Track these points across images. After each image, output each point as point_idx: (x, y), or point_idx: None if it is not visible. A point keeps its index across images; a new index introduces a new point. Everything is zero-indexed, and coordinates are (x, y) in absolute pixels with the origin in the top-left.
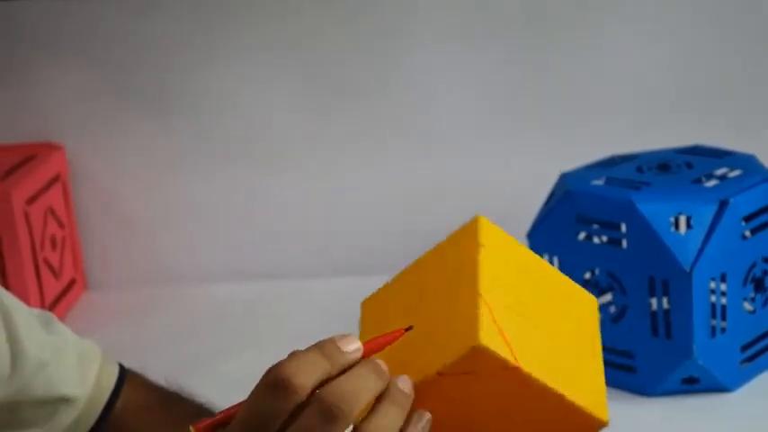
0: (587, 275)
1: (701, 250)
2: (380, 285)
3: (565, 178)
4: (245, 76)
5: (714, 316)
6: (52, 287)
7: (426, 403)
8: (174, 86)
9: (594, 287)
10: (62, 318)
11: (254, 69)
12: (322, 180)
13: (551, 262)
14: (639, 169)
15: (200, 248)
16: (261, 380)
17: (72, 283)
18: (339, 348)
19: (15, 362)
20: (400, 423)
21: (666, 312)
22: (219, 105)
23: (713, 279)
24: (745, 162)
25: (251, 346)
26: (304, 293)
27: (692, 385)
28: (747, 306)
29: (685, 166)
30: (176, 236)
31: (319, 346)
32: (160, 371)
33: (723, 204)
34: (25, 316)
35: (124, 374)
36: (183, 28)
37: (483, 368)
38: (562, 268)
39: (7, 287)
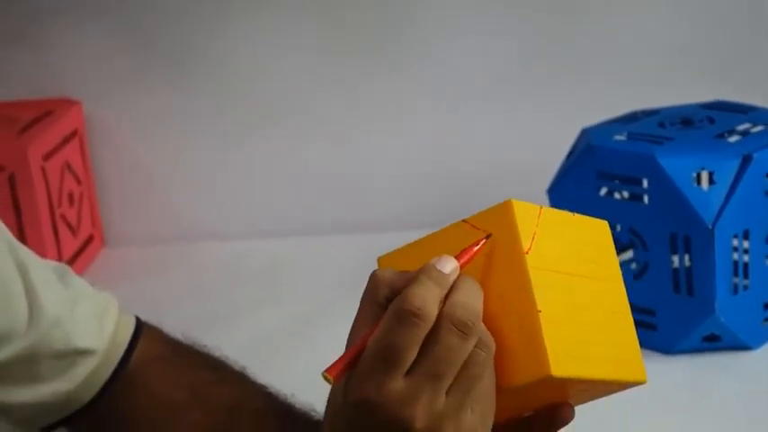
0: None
1: (723, 206)
2: (398, 243)
3: (586, 133)
4: (264, 37)
5: (736, 273)
6: (70, 244)
7: None
8: (194, 44)
9: (616, 244)
10: (80, 274)
11: (273, 30)
12: (341, 138)
13: None
14: (662, 124)
15: (218, 205)
16: (389, 314)
17: (90, 239)
18: (442, 272)
19: (32, 315)
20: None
21: (688, 269)
22: (239, 62)
23: (736, 236)
24: None
25: (269, 303)
26: (322, 250)
27: (714, 343)
28: None
29: (708, 122)
30: (194, 192)
31: (427, 274)
32: (177, 327)
33: (746, 160)
34: (42, 270)
35: (140, 327)
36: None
37: (545, 383)
38: None
39: (25, 243)
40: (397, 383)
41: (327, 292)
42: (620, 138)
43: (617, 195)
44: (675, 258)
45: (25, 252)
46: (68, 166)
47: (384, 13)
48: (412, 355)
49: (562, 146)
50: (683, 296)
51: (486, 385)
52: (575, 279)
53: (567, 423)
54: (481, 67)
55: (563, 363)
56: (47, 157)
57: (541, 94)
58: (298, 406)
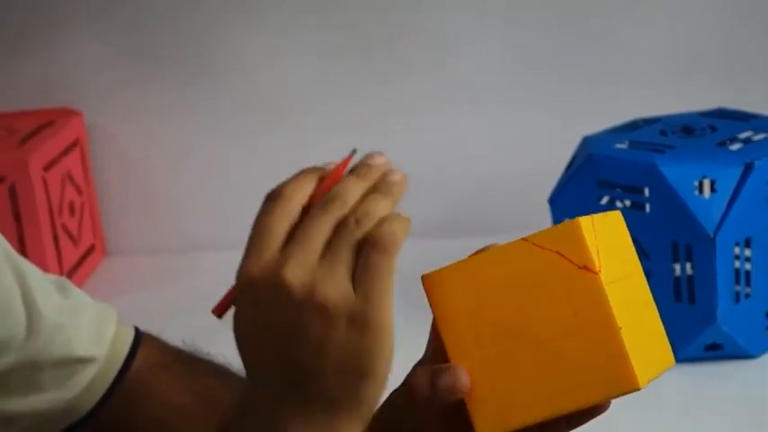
0: None
1: (725, 214)
2: (403, 249)
3: (587, 142)
4: (267, 42)
5: (738, 281)
6: (71, 253)
7: None
8: (194, 51)
9: None
10: (81, 284)
11: (277, 35)
12: (345, 145)
13: None
14: (663, 133)
15: (220, 214)
16: (261, 208)
17: (91, 249)
18: (317, 167)
19: (31, 324)
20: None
21: (690, 278)
22: (241, 70)
23: (737, 244)
24: None
25: None
26: None
27: (716, 351)
28: None
29: (709, 130)
30: (196, 202)
31: (303, 171)
32: (179, 337)
33: (748, 168)
34: (40, 280)
35: (139, 336)
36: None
37: None
38: None
39: (26, 253)
40: (270, 254)
41: None
42: (622, 146)
43: (618, 204)
44: (677, 267)
45: (23, 262)
46: (69, 177)
47: (387, 19)
48: (282, 229)
49: (563, 154)
50: (684, 305)
51: (373, 260)
52: (623, 283)
53: (603, 412)
54: (481, 76)
55: (644, 373)
56: (48, 167)
57: (542, 102)
58: None
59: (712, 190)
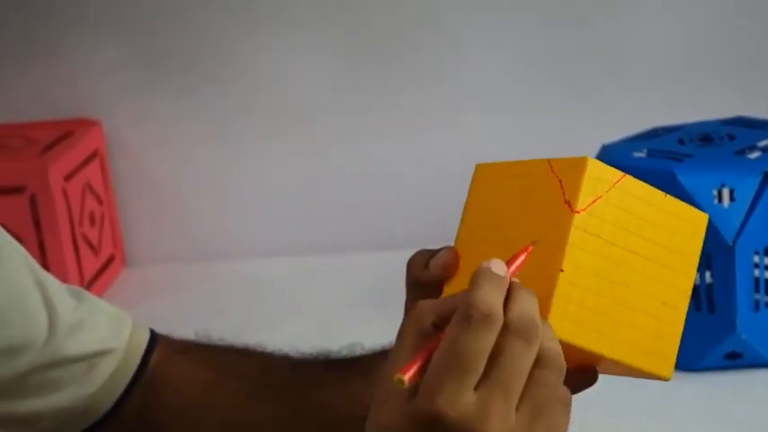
0: None
1: (744, 223)
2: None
3: (606, 150)
4: (283, 48)
5: (758, 290)
6: (91, 263)
7: None
8: (212, 59)
9: None
10: (101, 294)
11: (292, 41)
12: (365, 151)
13: None
14: (681, 141)
15: (240, 224)
16: (456, 321)
17: (111, 259)
18: (499, 275)
19: (51, 326)
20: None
21: (709, 287)
22: (258, 78)
23: (756, 253)
24: None
25: (290, 322)
26: (341, 268)
27: (735, 360)
28: None
29: (728, 138)
30: (216, 212)
31: (487, 278)
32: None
33: (767, 176)
34: (57, 286)
35: (156, 334)
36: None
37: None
38: None
39: (46, 264)
40: (470, 396)
41: (348, 311)
42: (640, 154)
43: None
44: (696, 276)
45: (41, 270)
46: (89, 187)
47: (395, 27)
48: (483, 362)
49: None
50: (704, 314)
51: (556, 402)
52: (628, 255)
53: (590, 385)
54: (498, 83)
55: (572, 329)
56: (68, 177)
57: (560, 111)
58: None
59: (731, 199)
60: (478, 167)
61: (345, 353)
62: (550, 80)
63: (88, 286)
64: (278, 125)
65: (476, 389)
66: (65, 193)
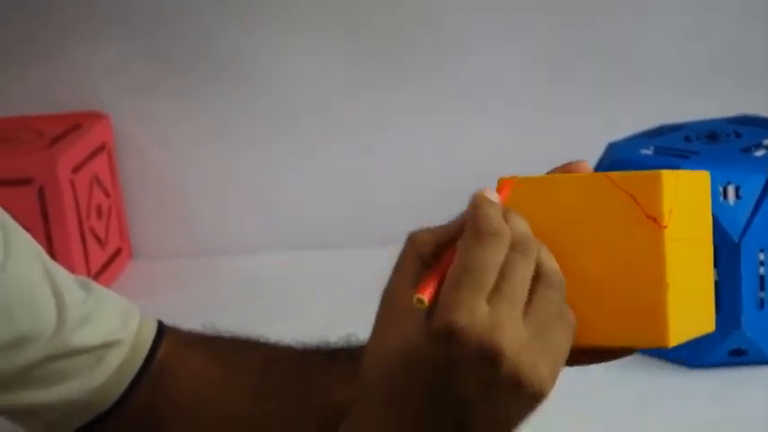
0: None
1: (749, 221)
2: None
3: (613, 148)
4: (286, 47)
5: (762, 288)
6: (98, 256)
7: None
8: (219, 55)
9: None
10: (107, 287)
11: (298, 39)
12: (365, 150)
13: None
14: (688, 139)
15: (247, 218)
16: (467, 238)
17: (118, 252)
18: (493, 199)
19: (60, 317)
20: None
21: (715, 284)
22: (265, 74)
23: (762, 250)
24: None
25: (297, 316)
26: (346, 264)
27: (740, 357)
28: None
29: (734, 136)
30: (223, 205)
31: (485, 200)
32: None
33: None
34: (65, 277)
35: (163, 326)
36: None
37: None
38: None
39: (53, 255)
40: (485, 308)
41: (348, 307)
42: (647, 152)
43: None
44: None
45: (50, 260)
46: (97, 179)
47: (399, 25)
48: (495, 275)
49: (589, 157)
50: None
51: (560, 321)
52: (687, 245)
53: (626, 356)
54: (503, 81)
55: (677, 334)
56: (76, 169)
57: (567, 108)
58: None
59: (737, 196)
60: (502, 180)
61: (342, 343)
62: (555, 79)
63: (94, 279)
64: (280, 123)
65: (488, 301)
66: (72, 185)
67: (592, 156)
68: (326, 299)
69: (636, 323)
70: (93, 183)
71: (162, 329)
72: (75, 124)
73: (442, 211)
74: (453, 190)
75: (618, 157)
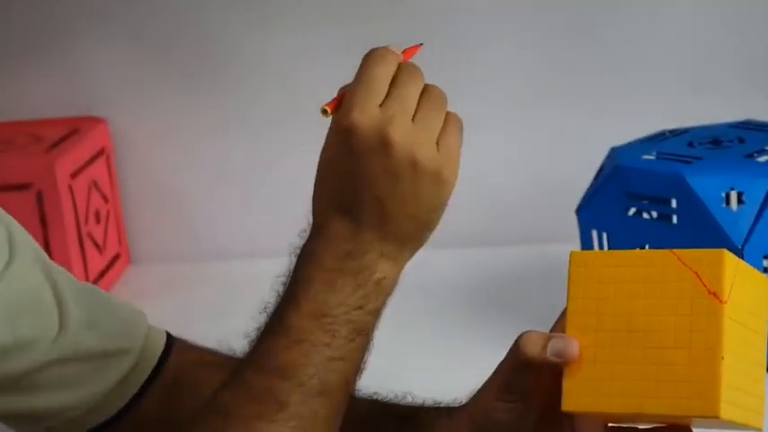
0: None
1: (752, 227)
2: (424, 262)
3: (615, 153)
4: (289, 47)
5: None
6: (96, 261)
7: None
8: (219, 58)
9: None
10: (106, 292)
11: (298, 40)
12: None
13: (600, 238)
14: (691, 144)
15: (245, 223)
16: (364, 59)
17: (116, 257)
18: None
19: (62, 322)
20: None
21: None
22: (265, 77)
23: (765, 256)
24: None
25: None
26: None
27: None
28: None
29: (737, 141)
30: (221, 210)
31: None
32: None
33: None
34: (69, 281)
35: (172, 337)
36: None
37: None
38: (611, 245)
39: (52, 260)
40: (377, 109)
41: None
42: (649, 157)
43: (645, 215)
44: None
45: (53, 263)
46: (95, 184)
47: (404, 23)
48: (386, 85)
49: (591, 164)
50: None
51: (447, 118)
52: (743, 329)
53: (684, 429)
54: (507, 84)
55: (730, 408)
56: (74, 174)
57: (569, 111)
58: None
59: (740, 201)
60: (575, 255)
61: (397, 399)
62: (557, 84)
63: (94, 284)
64: (283, 125)
65: (381, 105)
66: (71, 190)
67: (595, 160)
68: None
69: (691, 393)
70: (91, 188)
71: (171, 338)
72: (74, 129)
73: (455, 217)
74: (466, 196)
75: (620, 163)
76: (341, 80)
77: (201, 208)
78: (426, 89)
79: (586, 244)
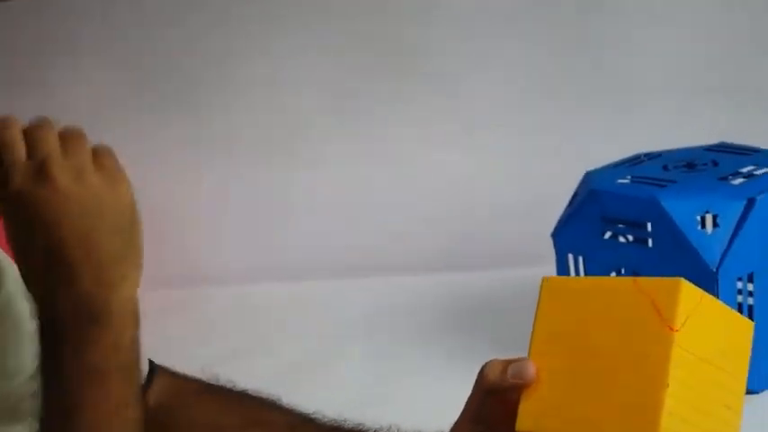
0: (612, 275)
1: (727, 249)
2: (406, 286)
3: (590, 177)
4: (275, 75)
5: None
6: None
7: None
8: (201, 86)
9: None
10: None
11: (284, 68)
12: (351, 179)
13: (576, 262)
14: (665, 167)
15: (228, 250)
16: None
17: None
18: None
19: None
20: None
21: None
22: (249, 103)
23: (740, 279)
24: None
25: (278, 347)
26: (341, 294)
27: None
28: None
29: (711, 164)
30: (203, 237)
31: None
32: (190, 370)
33: (750, 202)
34: None
35: (154, 366)
36: (209, 29)
37: None
38: (588, 268)
39: None
40: (25, 165)
41: (337, 337)
42: (624, 181)
43: (621, 239)
44: None
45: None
46: None
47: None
48: (20, 144)
49: (566, 186)
50: None
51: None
52: (703, 364)
53: None
54: (485, 110)
55: None
56: None
57: (544, 137)
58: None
59: (714, 224)
60: (546, 280)
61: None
62: (541, 106)
63: None
64: (278, 153)
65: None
66: None
67: (570, 182)
68: (316, 329)
69: (634, 418)
70: None
71: (153, 367)
72: None
73: (432, 239)
74: (443, 217)
75: (594, 187)
76: (332, 111)
77: (184, 235)
78: (61, 130)
79: (562, 267)
